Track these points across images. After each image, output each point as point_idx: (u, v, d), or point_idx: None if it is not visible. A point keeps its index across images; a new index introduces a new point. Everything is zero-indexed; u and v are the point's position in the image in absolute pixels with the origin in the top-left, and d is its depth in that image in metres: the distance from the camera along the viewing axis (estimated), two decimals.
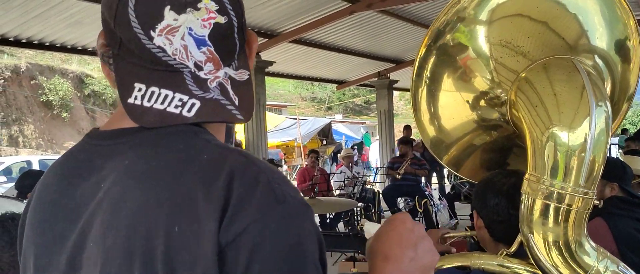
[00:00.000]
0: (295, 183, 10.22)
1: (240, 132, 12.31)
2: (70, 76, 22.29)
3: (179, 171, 0.73)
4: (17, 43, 7.23)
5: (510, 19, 1.55)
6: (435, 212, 7.70)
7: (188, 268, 0.68)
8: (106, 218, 0.74)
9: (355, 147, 19.61)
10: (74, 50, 7.86)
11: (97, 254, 0.73)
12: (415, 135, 9.84)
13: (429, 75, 1.73)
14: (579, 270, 1.15)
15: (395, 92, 12.45)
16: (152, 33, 0.76)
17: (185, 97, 0.77)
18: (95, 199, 0.76)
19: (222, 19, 0.78)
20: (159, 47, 0.76)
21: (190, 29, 0.76)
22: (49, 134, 19.85)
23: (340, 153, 14.94)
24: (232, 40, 0.80)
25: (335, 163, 17.88)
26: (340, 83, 12.83)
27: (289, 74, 11.38)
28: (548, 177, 1.17)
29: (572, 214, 1.15)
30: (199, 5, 0.76)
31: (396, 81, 12.56)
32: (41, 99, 20.16)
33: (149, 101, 0.77)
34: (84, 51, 7.97)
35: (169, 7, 0.75)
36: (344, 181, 8.82)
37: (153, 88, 0.77)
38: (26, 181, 4.28)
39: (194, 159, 0.74)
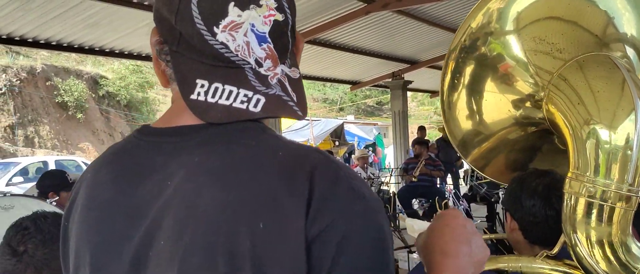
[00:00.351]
0: None
1: None
2: (85, 77, 22.47)
3: (256, 167, 0.73)
4: (36, 44, 7.29)
5: (541, 19, 1.54)
6: None
7: (277, 264, 0.68)
8: (180, 215, 0.73)
9: (370, 148, 19.57)
10: (91, 51, 7.91)
11: (172, 251, 0.72)
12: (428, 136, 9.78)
13: (461, 74, 1.72)
14: (624, 270, 1.13)
15: (409, 93, 12.39)
16: (215, 29, 0.76)
17: (249, 93, 0.77)
18: (162, 197, 0.75)
19: (280, 17, 0.79)
20: (221, 43, 0.77)
21: (253, 25, 0.77)
22: (64, 134, 20.01)
23: (353, 154, 14.91)
24: (286, 38, 0.81)
25: (348, 164, 17.87)
26: (354, 84, 12.81)
27: (302, 74, 11.36)
28: (591, 175, 1.15)
29: (617, 212, 1.13)
30: (261, 2, 0.77)
31: (411, 82, 12.50)
32: (56, 100, 20.33)
33: (213, 97, 0.77)
34: (101, 52, 8.01)
35: (233, 3, 0.76)
36: None
37: (216, 84, 0.78)
38: (46, 181, 4.31)
39: (269, 155, 0.74)
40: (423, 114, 39.74)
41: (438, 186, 8.64)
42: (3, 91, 18.21)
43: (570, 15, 1.49)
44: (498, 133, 1.68)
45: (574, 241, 1.17)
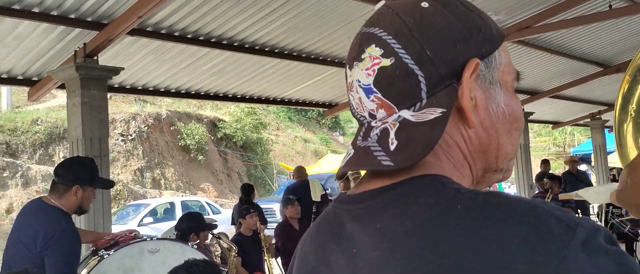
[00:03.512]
0: None
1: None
2: (204, 120, 23.78)
3: (436, 226, 0.68)
4: (167, 93, 7.81)
5: None
6: None
7: None
8: None
9: None
10: (216, 97, 8.34)
11: None
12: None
13: (635, 108, 1.56)
14: None
15: (529, 125, 11.81)
16: (348, 93, 0.83)
17: (350, 149, 0.81)
18: (351, 267, 0.74)
19: (387, 62, 0.76)
20: (351, 104, 0.83)
21: (359, 81, 0.78)
22: (187, 176, 21.18)
23: None
24: (407, 78, 0.75)
25: None
26: None
27: None
28: None
29: None
30: (362, 56, 0.78)
31: (532, 113, 11.93)
32: (180, 144, 21.65)
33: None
34: (224, 97, 8.43)
35: (348, 66, 0.81)
36: None
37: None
38: (184, 224, 4.53)
39: (447, 212, 0.68)
40: (540, 146, 37.70)
41: None
42: (133, 136, 19.70)
43: None
44: None
45: None
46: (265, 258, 6.52)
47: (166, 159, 20.78)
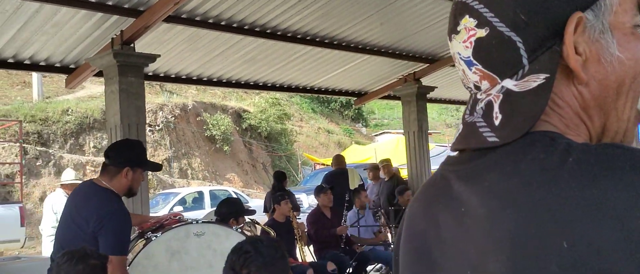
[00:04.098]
0: None
1: (398, 157, 12.23)
2: (229, 111, 23.91)
3: (547, 181, 0.66)
4: (199, 81, 7.84)
5: None
6: None
7: None
8: (480, 243, 0.69)
9: None
10: (246, 85, 8.36)
11: None
12: None
13: None
14: None
15: None
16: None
17: (460, 125, 0.80)
18: (460, 225, 0.73)
19: (482, 32, 0.74)
20: (459, 75, 0.81)
21: (459, 53, 0.77)
22: (213, 166, 21.34)
23: None
24: (505, 47, 0.72)
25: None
26: None
27: (448, 99, 11.14)
28: None
29: None
30: (458, 29, 0.77)
31: None
32: (206, 134, 21.81)
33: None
34: (255, 86, 8.44)
35: (448, 38, 0.80)
36: None
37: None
38: (224, 209, 4.54)
39: (559, 164, 0.66)
40: None
41: None
42: (160, 127, 19.90)
43: None
44: None
45: None
46: (298, 245, 6.55)
47: (193, 150, 20.96)
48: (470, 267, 0.71)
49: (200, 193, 14.14)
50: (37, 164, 15.46)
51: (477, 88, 0.77)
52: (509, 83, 0.73)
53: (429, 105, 9.27)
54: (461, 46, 0.76)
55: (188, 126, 21.45)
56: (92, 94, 20.27)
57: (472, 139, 0.75)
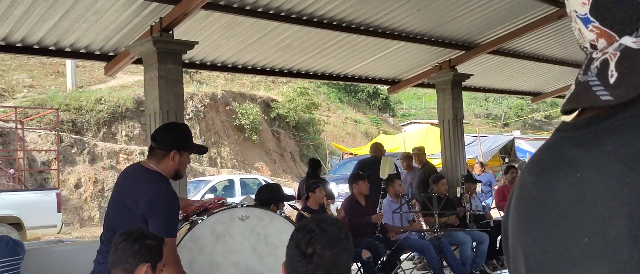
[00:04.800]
0: (493, 202, 9.76)
1: (427, 147, 12.08)
2: (258, 101, 24.01)
3: None
4: (234, 69, 7.87)
5: None
6: None
7: None
8: (599, 209, 0.68)
9: None
10: (280, 73, 8.36)
11: (600, 248, 0.68)
12: None
13: None
14: None
15: None
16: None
17: (572, 85, 0.78)
18: (575, 192, 0.72)
19: None
20: (575, 33, 0.79)
21: (575, 11, 0.75)
22: (241, 155, 21.49)
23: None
24: (624, 2, 0.71)
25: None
26: (536, 95, 12.07)
27: (483, 87, 10.97)
28: None
29: None
30: None
31: None
32: (234, 123, 21.96)
33: None
34: (289, 73, 8.44)
35: None
36: None
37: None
38: (264, 194, 4.56)
39: None
40: None
41: None
42: (190, 116, 20.09)
43: None
44: None
45: None
46: None
47: (222, 139, 21.13)
48: (588, 234, 0.69)
49: (231, 181, 14.26)
50: (72, 151, 15.77)
51: (593, 47, 0.75)
52: (628, 40, 0.71)
53: None
54: (578, 3, 0.74)
55: (217, 115, 21.62)
56: (124, 83, 20.55)
57: (584, 98, 0.73)
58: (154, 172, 3.00)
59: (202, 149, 3.33)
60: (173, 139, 3.06)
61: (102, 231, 3.17)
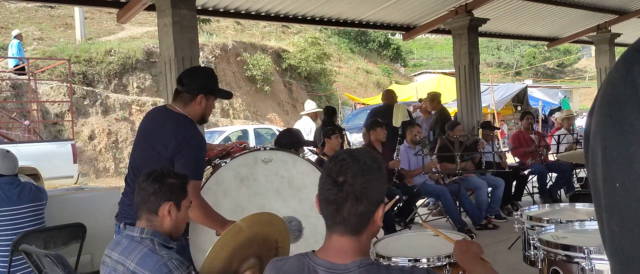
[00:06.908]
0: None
1: (447, 92, 11.96)
2: (269, 51, 23.80)
3: None
4: (248, 15, 7.73)
5: None
6: None
7: None
8: None
9: (555, 113, 18.16)
10: (295, 19, 8.23)
11: None
12: None
13: None
14: None
15: (617, 49, 11.20)
16: None
17: None
18: None
19: None
20: None
21: None
22: (254, 106, 21.47)
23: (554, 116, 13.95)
24: None
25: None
26: (552, 40, 11.82)
27: (499, 33, 10.76)
28: None
29: None
30: None
31: (619, 35, 11.23)
32: (246, 74, 21.84)
33: None
34: (303, 20, 8.30)
35: None
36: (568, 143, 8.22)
37: None
38: (284, 140, 4.55)
39: None
40: None
41: None
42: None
43: None
44: None
45: None
46: None
47: (233, 89, 21.05)
48: None
49: (245, 131, 14.28)
50: (85, 103, 15.80)
51: None
52: None
53: None
54: None
55: (228, 66, 21.49)
56: (133, 34, 20.39)
57: None
58: (182, 115, 2.97)
59: (227, 95, 3.29)
60: (201, 83, 3.02)
61: (127, 172, 3.17)
